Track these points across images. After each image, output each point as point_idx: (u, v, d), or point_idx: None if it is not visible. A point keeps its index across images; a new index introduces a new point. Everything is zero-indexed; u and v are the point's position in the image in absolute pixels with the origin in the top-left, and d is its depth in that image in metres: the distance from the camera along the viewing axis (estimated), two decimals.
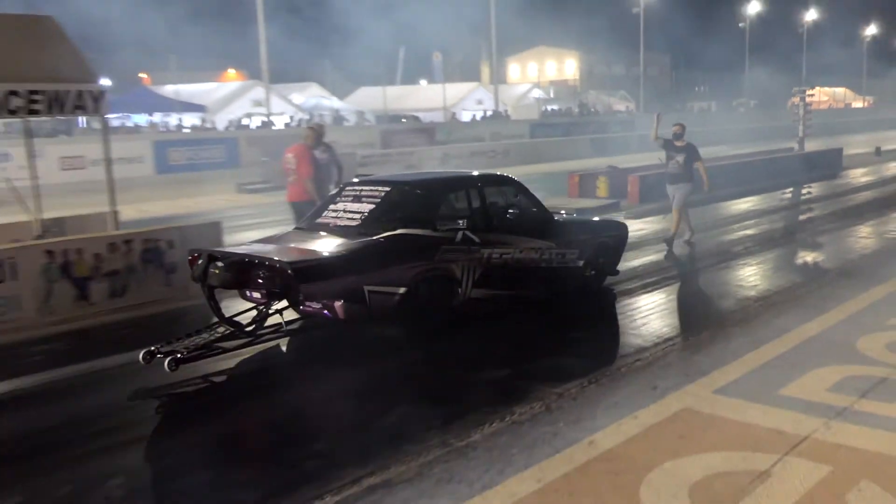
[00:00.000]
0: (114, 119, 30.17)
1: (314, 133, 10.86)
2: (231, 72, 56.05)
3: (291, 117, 39.09)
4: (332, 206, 7.79)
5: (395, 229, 7.08)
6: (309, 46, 50.00)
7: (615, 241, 9.10)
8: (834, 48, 72.74)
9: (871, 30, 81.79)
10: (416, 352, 7.07)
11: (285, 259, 6.44)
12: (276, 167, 22.77)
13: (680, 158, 11.43)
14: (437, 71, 51.22)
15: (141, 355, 6.16)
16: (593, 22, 66.23)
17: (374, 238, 6.99)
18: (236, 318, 6.81)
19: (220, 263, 6.70)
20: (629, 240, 9.69)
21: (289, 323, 6.99)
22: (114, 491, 4.61)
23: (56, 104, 8.23)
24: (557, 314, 8.30)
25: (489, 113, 45.63)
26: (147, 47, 48.52)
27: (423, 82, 57.01)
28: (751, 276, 9.97)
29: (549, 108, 53.07)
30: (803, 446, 4.76)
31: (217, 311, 6.88)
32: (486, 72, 67.68)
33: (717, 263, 10.75)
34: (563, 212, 9.62)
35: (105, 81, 8.91)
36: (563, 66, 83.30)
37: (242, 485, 4.63)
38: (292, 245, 7.15)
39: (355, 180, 8.39)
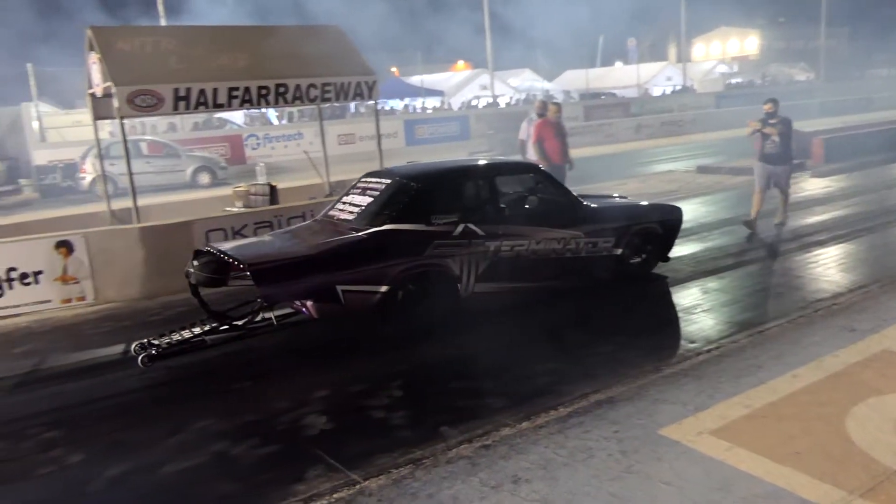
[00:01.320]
0: None
1: (558, 108, 10.32)
2: (461, 63, 56.52)
3: (511, 98, 38.94)
4: (344, 198, 6.49)
5: (382, 224, 5.74)
6: (523, 38, 49.24)
7: (664, 226, 7.17)
8: None
9: None
10: (622, 293, 6.71)
11: (247, 260, 5.26)
12: (499, 138, 23.09)
13: (776, 137, 8.95)
14: (632, 53, 48.89)
15: (133, 347, 5.49)
16: (773, 2, 59.78)
17: (353, 235, 5.68)
18: (227, 312, 5.76)
19: (195, 262, 5.74)
20: (813, 196, 8.59)
21: (281, 317, 5.83)
22: (394, 391, 4.82)
23: (342, 92, 8.67)
24: (754, 266, 7.64)
25: (678, 87, 42.80)
26: (398, 47, 50.19)
27: (619, 64, 54.28)
28: None
29: (732, 80, 48.78)
30: None
31: (203, 305, 5.78)
32: (672, 52, 63.50)
33: None
34: (625, 196, 8.08)
35: None
36: (745, 43, 76.01)
37: (490, 393, 4.64)
38: (286, 240, 5.93)
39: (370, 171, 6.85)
